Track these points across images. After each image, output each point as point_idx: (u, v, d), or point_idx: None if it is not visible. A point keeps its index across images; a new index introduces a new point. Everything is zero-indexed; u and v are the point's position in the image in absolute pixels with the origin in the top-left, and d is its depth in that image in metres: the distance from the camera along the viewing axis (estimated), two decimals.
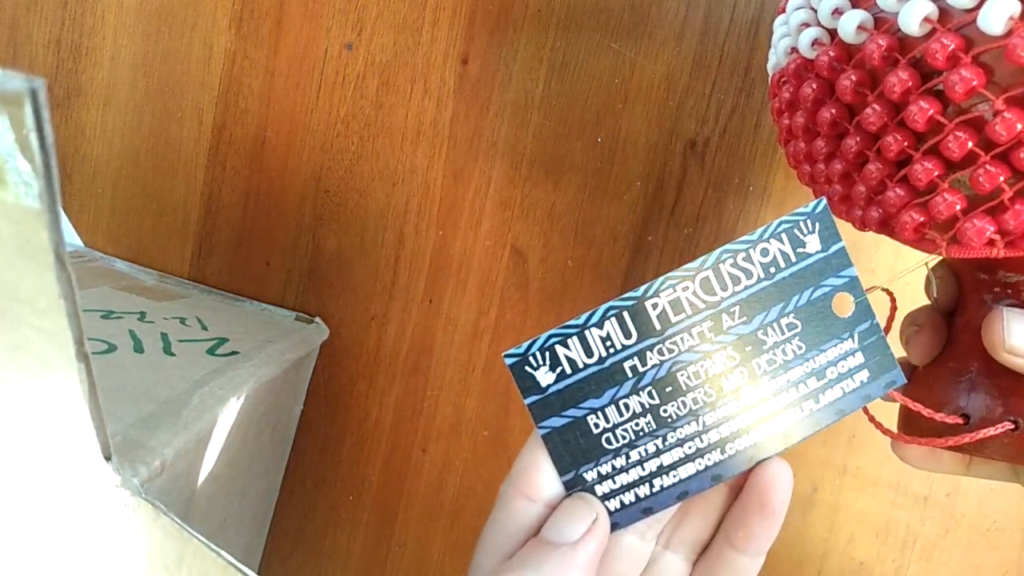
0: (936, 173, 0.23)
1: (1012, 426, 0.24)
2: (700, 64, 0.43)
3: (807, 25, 0.26)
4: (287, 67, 0.48)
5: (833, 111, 0.26)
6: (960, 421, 0.25)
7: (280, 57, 0.48)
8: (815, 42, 0.26)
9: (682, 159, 0.44)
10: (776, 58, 0.30)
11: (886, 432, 0.27)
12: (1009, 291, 0.26)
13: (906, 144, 0.23)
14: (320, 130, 0.48)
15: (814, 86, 0.26)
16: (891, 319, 0.29)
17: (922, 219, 0.24)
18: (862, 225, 0.27)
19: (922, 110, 0.22)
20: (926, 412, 0.26)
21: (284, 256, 0.49)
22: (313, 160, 0.48)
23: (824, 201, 0.24)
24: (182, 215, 0.51)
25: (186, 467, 0.31)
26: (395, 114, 0.47)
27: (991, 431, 0.24)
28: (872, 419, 0.28)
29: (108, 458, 0.24)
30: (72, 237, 0.52)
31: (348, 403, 0.50)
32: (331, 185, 0.48)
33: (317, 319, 0.49)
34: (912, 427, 0.28)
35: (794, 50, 0.28)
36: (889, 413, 0.29)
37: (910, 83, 0.22)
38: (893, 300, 0.29)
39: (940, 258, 0.28)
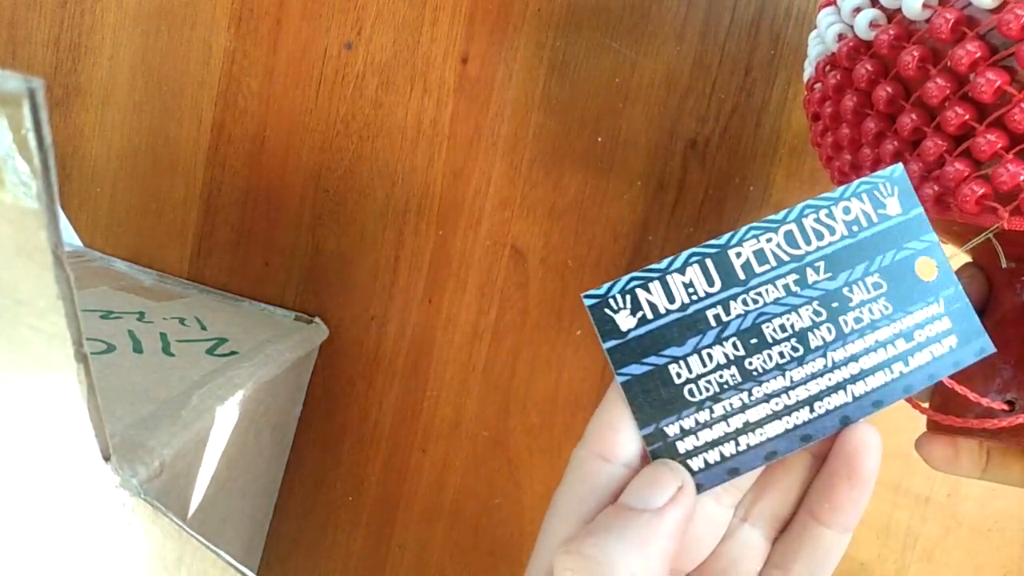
0: (1000, 145, 0.23)
1: None
2: (701, 64, 0.43)
3: (859, 10, 0.27)
4: (286, 66, 0.48)
5: (889, 89, 0.26)
6: (1005, 407, 0.25)
7: (279, 56, 0.48)
8: (872, 23, 0.27)
9: (682, 159, 0.44)
10: (824, 46, 0.30)
11: (927, 412, 0.27)
12: None
13: (968, 117, 0.24)
14: (319, 129, 0.48)
15: (869, 67, 0.27)
16: None
17: (984, 191, 0.24)
18: None
19: (990, 81, 0.23)
20: (972, 396, 0.25)
21: (283, 256, 0.49)
22: (312, 160, 0.48)
23: (901, 166, 0.24)
24: (181, 215, 0.50)
25: (185, 467, 0.31)
26: (395, 113, 0.47)
27: None
28: (916, 404, 0.27)
29: (107, 458, 0.24)
30: (71, 237, 0.52)
31: (347, 403, 0.49)
32: (330, 185, 0.48)
33: (316, 319, 0.49)
34: (945, 416, 0.28)
35: (841, 37, 0.29)
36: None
37: (979, 54, 0.23)
38: None
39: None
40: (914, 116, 0.26)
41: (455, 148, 0.47)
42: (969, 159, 0.24)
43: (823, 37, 0.30)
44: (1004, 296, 0.28)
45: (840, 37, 0.29)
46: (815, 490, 0.24)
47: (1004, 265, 0.28)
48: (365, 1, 0.46)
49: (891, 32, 0.26)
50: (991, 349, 0.24)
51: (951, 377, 0.26)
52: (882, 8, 0.27)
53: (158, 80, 0.50)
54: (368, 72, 0.47)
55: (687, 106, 0.44)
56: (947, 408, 0.28)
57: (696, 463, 0.23)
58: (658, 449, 0.23)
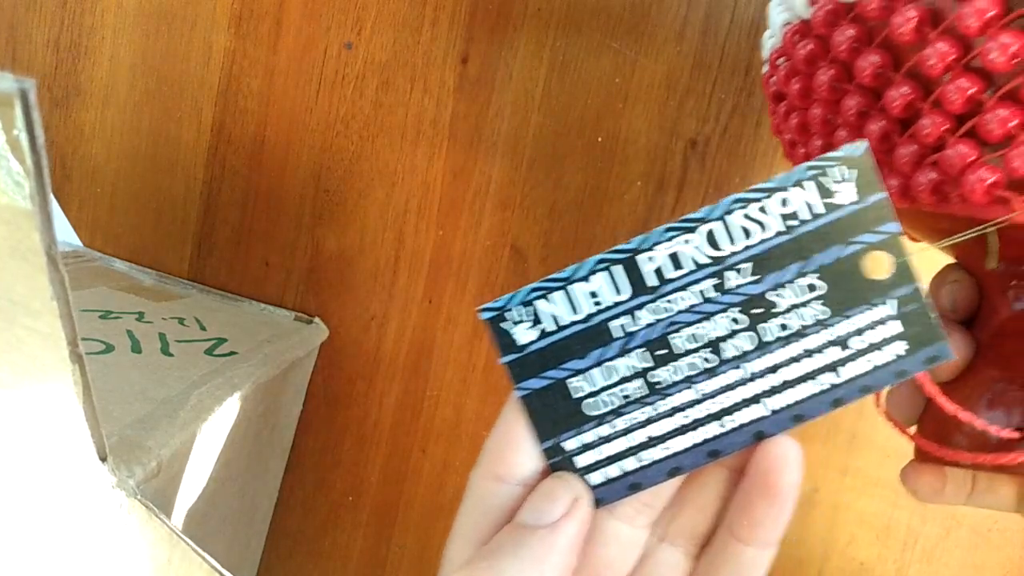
0: (1015, 122, 0.20)
1: None
2: (701, 63, 0.43)
3: None
4: (286, 66, 0.48)
5: (876, 57, 0.22)
6: (1016, 435, 0.22)
7: (279, 56, 0.48)
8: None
9: (683, 159, 0.44)
10: (792, 12, 0.27)
11: (924, 445, 0.25)
12: None
13: (975, 90, 0.20)
14: (319, 129, 0.48)
15: (851, 32, 0.23)
16: None
17: (995, 177, 0.21)
18: (902, 196, 0.24)
19: (1003, 46, 0.19)
20: (979, 424, 0.23)
21: (283, 256, 0.49)
22: (312, 159, 0.48)
23: (866, 143, 0.20)
24: (181, 215, 0.50)
25: (183, 468, 0.31)
26: (395, 113, 0.47)
27: None
28: (911, 436, 0.25)
29: (104, 459, 0.24)
30: (71, 237, 0.52)
31: (347, 404, 0.49)
32: (330, 184, 0.48)
33: (316, 319, 0.49)
34: (946, 445, 0.25)
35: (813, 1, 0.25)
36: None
37: (992, 12, 0.19)
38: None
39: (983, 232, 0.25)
40: (907, 89, 0.22)
41: (455, 148, 0.46)
42: (975, 140, 0.21)
43: (791, 2, 0.27)
44: (999, 304, 0.25)
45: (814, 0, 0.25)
46: (734, 506, 0.23)
47: (992, 266, 0.25)
48: (365, 1, 0.46)
49: (879, 3, 0.22)
50: (948, 356, 0.21)
51: (947, 398, 0.23)
52: None
53: (158, 80, 0.50)
54: (368, 72, 0.47)
55: (687, 106, 0.44)
56: (940, 434, 0.25)
57: (595, 478, 0.23)
58: (557, 464, 0.23)
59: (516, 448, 0.23)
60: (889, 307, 0.21)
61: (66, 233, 0.51)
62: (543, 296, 0.22)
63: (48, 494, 0.25)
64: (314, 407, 0.50)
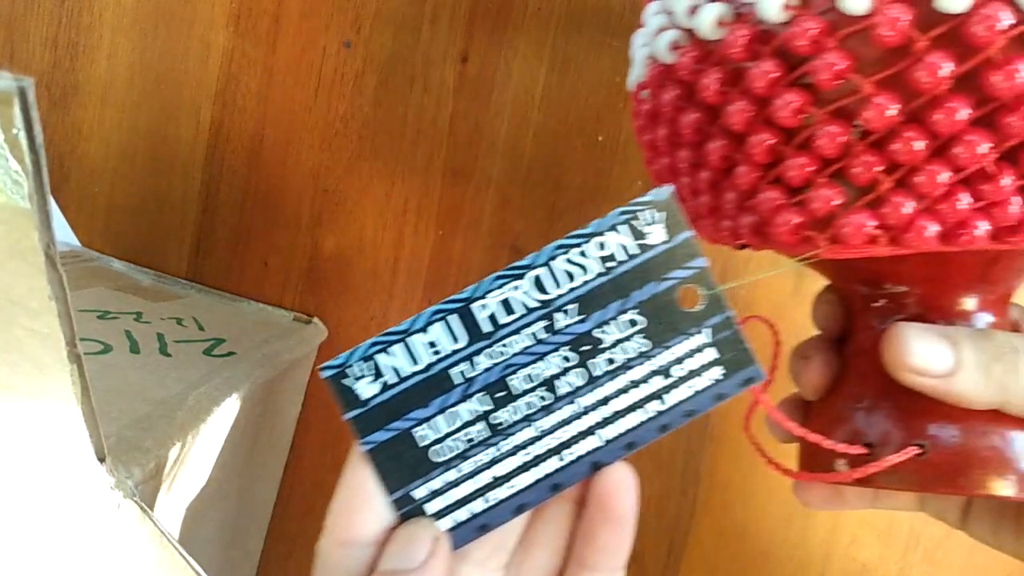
0: (811, 168, 0.22)
1: (919, 450, 0.23)
2: None
3: (666, 30, 0.25)
4: (285, 65, 0.48)
5: (695, 115, 0.24)
6: (863, 451, 0.24)
7: (278, 55, 0.48)
8: (673, 45, 0.25)
9: None
10: (636, 72, 0.28)
11: (785, 472, 0.26)
12: (896, 306, 0.25)
13: (775, 141, 0.22)
14: (319, 128, 0.48)
15: (675, 92, 0.25)
16: (776, 353, 0.27)
17: (800, 219, 0.22)
18: (733, 237, 0.26)
19: (788, 102, 0.21)
20: (826, 444, 0.24)
21: (282, 256, 0.49)
22: (312, 159, 0.48)
23: (672, 188, 0.22)
24: (179, 214, 0.50)
25: (181, 468, 0.31)
26: (394, 113, 0.47)
27: (897, 458, 0.22)
28: (770, 460, 0.26)
29: (102, 459, 0.24)
30: (68, 236, 0.51)
31: None
32: (330, 184, 0.48)
33: (315, 319, 0.49)
34: (813, 464, 0.26)
35: (653, 59, 0.26)
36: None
37: (775, 74, 0.21)
38: (776, 333, 0.27)
39: (812, 263, 0.26)
40: (723, 142, 0.24)
41: (455, 148, 0.46)
42: (782, 185, 0.23)
43: (634, 63, 0.28)
44: (860, 323, 0.26)
45: (651, 60, 0.27)
46: (578, 537, 0.24)
47: (823, 322, 0.27)
48: None
49: (691, 54, 0.24)
50: (761, 377, 0.23)
51: (803, 427, 0.25)
52: (682, 29, 0.25)
53: (156, 79, 0.49)
54: (367, 71, 0.47)
55: None
56: (809, 458, 0.26)
57: (446, 523, 0.23)
58: (408, 513, 0.23)
59: (362, 508, 0.23)
60: (704, 336, 0.23)
61: (64, 233, 0.51)
62: (383, 350, 0.23)
63: (46, 495, 0.24)
64: (313, 408, 0.50)
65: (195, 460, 0.32)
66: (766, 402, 0.24)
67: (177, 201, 0.50)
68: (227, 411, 0.35)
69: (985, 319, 0.24)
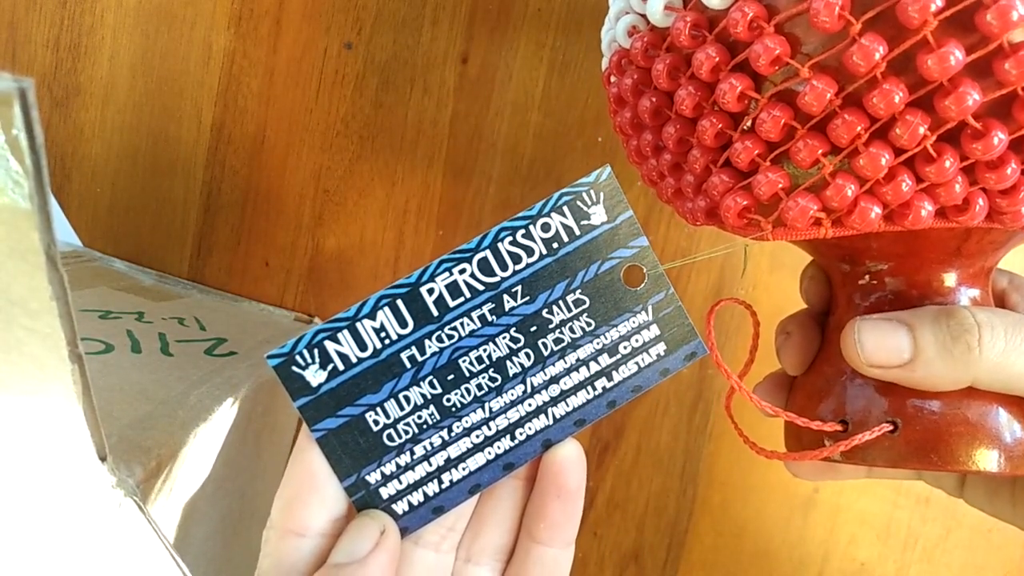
0: (756, 152, 0.22)
1: (891, 427, 0.23)
2: None
3: (624, 15, 0.26)
4: (286, 66, 0.48)
5: (653, 99, 0.25)
6: (839, 428, 0.24)
7: (279, 56, 0.48)
8: (631, 30, 0.25)
9: None
10: (605, 58, 0.29)
11: (760, 451, 0.26)
12: (875, 283, 0.25)
13: (722, 126, 0.23)
14: (319, 129, 0.48)
15: (634, 76, 0.25)
16: (756, 334, 0.27)
17: (746, 202, 0.23)
18: (692, 218, 0.26)
19: (732, 87, 0.21)
20: (800, 421, 0.24)
21: (283, 256, 0.49)
22: (313, 159, 0.48)
23: (609, 168, 0.23)
24: (181, 215, 0.50)
25: (183, 467, 0.31)
26: (395, 113, 0.47)
27: (869, 435, 0.23)
28: (747, 439, 0.26)
29: (103, 459, 0.24)
30: (70, 236, 0.52)
31: None
32: (331, 185, 0.48)
33: (316, 319, 0.49)
34: (795, 441, 0.26)
35: (615, 44, 0.27)
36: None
37: (718, 59, 0.22)
38: (754, 314, 0.27)
39: (749, 246, 0.27)
40: (677, 126, 0.24)
41: (455, 148, 0.46)
42: (732, 169, 0.23)
43: (604, 48, 0.29)
44: (841, 298, 0.26)
45: (613, 45, 0.27)
46: (529, 513, 0.24)
47: (808, 297, 0.27)
48: (365, 1, 0.46)
49: (645, 39, 0.24)
50: (703, 352, 0.24)
51: (784, 403, 0.25)
52: (637, 14, 0.25)
53: (158, 80, 0.50)
54: (368, 72, 0.47)
55: None
56: (791, 434, 0.27)
57: (400, 507, 0.23)
58: (361, 499, 0.23)
59: (310, 499, 0.23)
60: (646, 313, 0.23)
61: (66, 233, 0.51)
62: (330, 337, 0.23)
63: (48, 494, 0.25)
64: None
65: (196, 459, 0.32)
66: (739, 385, 0.25)
67: (178, 201, 0.50)
68: (228, 410, 0.35)
69: (968, 293, 0.24)
